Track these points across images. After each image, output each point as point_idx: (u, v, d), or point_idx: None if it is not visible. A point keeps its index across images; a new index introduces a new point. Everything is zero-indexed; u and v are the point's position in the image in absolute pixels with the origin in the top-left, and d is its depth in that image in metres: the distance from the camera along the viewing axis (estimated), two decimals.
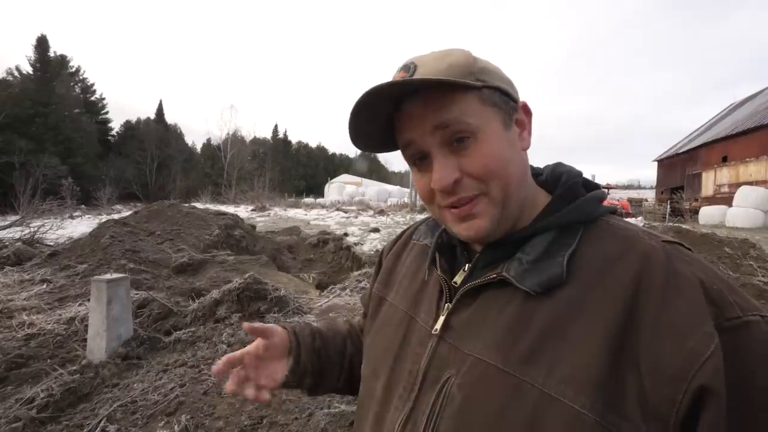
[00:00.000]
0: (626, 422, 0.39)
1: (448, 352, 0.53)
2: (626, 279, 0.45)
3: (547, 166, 0.64)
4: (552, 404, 0.42)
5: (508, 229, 0.54)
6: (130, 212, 9.63)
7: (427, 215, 0.78)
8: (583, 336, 0.44)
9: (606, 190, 29.90)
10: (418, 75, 0.50)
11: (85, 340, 3.13)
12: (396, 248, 0.77)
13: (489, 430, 0.45)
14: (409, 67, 0.52)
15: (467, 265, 0.58)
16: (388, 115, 0.55)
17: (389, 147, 0.60)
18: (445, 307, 0.56)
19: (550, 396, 0.42)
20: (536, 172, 0.62)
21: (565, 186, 0.56)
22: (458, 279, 0.58)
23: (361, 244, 10.19)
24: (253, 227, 9.16)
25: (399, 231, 0.83)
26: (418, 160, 0.55)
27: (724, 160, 22.34)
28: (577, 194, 0.55)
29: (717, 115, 31.69)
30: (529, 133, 0.57)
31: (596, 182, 0.59)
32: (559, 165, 0.62)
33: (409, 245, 0.74)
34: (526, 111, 0.57)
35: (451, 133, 0.50)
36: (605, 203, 0.56)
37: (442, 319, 0.56)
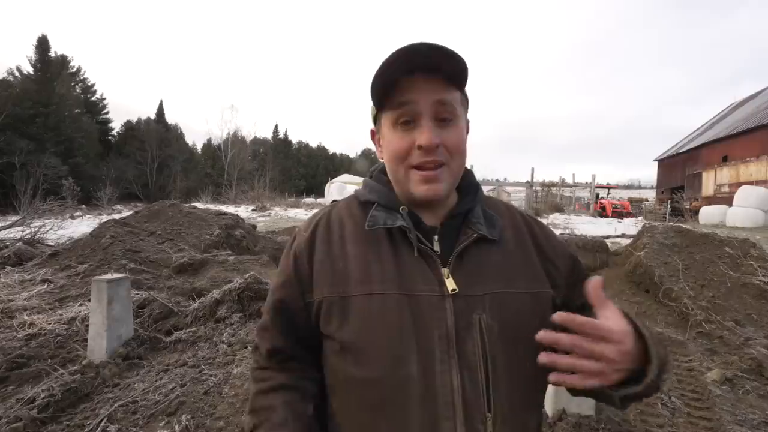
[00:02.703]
0: (557, 287, 0.73)
1: (465, 302, 0.65)
2: (521, 221, 0.79)
3: None
4: (538, 296, 0.70)
5: (449, 194, 0.73)
6: (130, 212, 9.61)
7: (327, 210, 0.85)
8: (527, 254, 0.74)
9: (607, 191, 29.91)
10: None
11: (85, 340, 3.14)
12: (321, 251, 0.71)
13: (524, 329, 0.62)
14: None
15: (435, 236, 0.71)
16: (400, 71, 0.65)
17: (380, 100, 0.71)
18: (445, 272, 0.66)
19: (536, 293, 0.70)
20: None
21: (468, 179, 0.78)
22: (436, 248, 0.69)
23: None
24: (254, 227, 9.14)
25: None
26: (404, 122, 0.67)
27: (725, 159, 22.31)
28: (476, 183, 0.79)
29: (717, 114, 31.63)
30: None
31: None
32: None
33: (338, 238, 0.71)
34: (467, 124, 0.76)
35: (445, 110, 0.67)
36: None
37: (450, 280, 0.65)
